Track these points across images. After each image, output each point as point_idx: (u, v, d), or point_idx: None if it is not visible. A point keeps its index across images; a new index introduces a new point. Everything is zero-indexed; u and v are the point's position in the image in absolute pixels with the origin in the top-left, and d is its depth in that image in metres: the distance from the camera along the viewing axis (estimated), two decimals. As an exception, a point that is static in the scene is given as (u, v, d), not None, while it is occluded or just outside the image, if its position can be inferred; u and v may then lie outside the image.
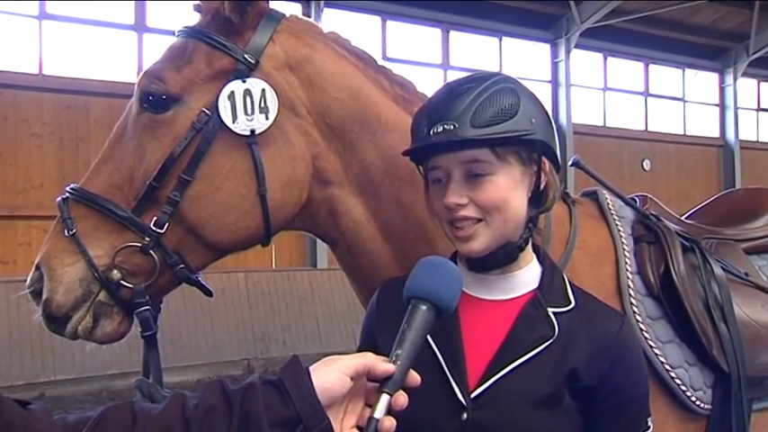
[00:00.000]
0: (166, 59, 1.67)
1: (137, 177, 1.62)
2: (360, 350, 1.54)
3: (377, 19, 13.85)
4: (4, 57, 10.34)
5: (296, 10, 12.75)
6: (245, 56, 1.64)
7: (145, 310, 1.62)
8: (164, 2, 10.92)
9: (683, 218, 2.25)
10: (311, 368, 1.14)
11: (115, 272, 1.61)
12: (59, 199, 1.67)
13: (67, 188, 1.69)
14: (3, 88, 10.16)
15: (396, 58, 14.00)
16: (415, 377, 1.18)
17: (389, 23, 14.00)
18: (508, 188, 1.35)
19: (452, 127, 1.33)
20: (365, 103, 1.73)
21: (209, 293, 1.74)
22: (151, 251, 1.61)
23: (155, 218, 1.60)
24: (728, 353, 1.79)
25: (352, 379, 1.14)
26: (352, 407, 1.18)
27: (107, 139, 1.71)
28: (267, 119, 1.62)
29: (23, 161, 10.32)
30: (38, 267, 1.65)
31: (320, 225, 1.74)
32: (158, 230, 1.60)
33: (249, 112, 1.60)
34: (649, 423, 1.38)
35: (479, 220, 1.35)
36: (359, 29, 13.61)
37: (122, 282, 1.61)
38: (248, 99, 1.60)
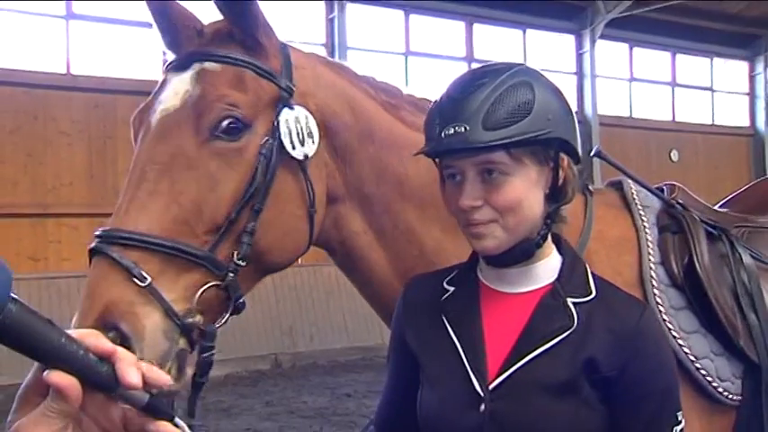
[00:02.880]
0: (224, 85, 1.60)
1: (208, 209, 1.54)
2: (391, 345, 1.58)
3: (400, 13, 13.83)
4: (33, 57, 10.50)
5: (319, 7, 12.77)
6: (288, 84, 1.66)
7: (212, 354, 1.54)
8: (189, 1, 10.99)
9: (715, 207, 2.22)
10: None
11: (198, 317, 1.51)
12: (97, 244, 1.49)
13: (105, 233, 1.50)
14: (32, 88, 10.32)
15: (419, 51, 13.98)
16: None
17: (412, 17, 13.97)
18: (523, 189, 1.33)
19: (463, 129, 1.30)
20: (363, 122, 1.76)
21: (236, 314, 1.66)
22: (231, 288, 1.54)
23: (233, 251, 1.55)
24: (758, 343, 1.77)
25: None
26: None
27: (140, 171, 1.55)
28: (314, 143, 1.66)
29: (53, 159, 10.47)
30: (111, 327, 1.43)
31: (323, 236, 1.76)
32: (242, 264, 1.55)
33: (301, 137, 1.64)
34: (680, 418, 1.34)
35: (494, 221, 1.34)
36: (382, 23, 13.60)
37: (201, 326, 1.51)
38: (298, 125, 1.64)
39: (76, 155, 10.59)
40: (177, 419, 0.86)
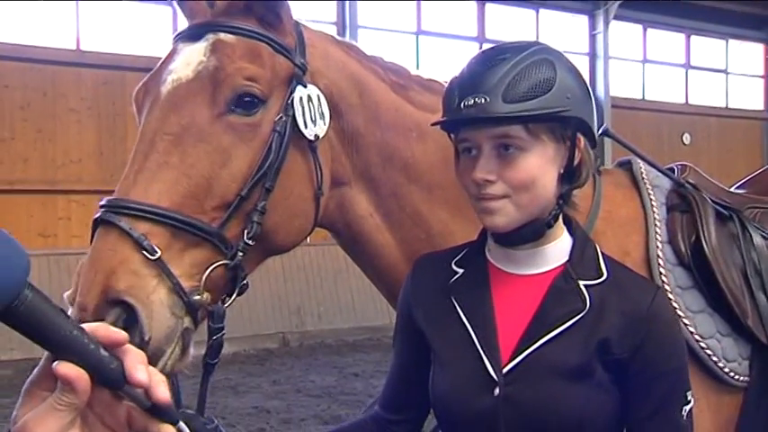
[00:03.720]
0: (241, 59, 1.57)
1: (219, 185, 1.50)
2: (398, 326, 1.56)
3: (411, -8, 13.73)
4: (43, 33, 10.50)
5: (330, -17, 12.67)
6: (302, 61, 1.63)
7: (223, 334, 1.51)
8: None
9: (731, 188, 2.19)
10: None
11: (205, 295, 1.46)
12: (106, 213, 1.44)
13: (112, 202, 1.46)
14: (42, 64, 10.33)
15: (430, 31, 13.88)
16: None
17: (424, -4, 13.87)
18: (538, 166, 1.32)
19: (483, 101, 1.29)
20: (369, 104, 1.73)
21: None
22: (239, 267, 1.51)
23: (243, 230, 1.51)
24: (767, 324, 1.75)
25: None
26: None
27: (149, 142, 1.51)
28: (325, 124, 1.63)
29: (62, 136, 10.51)
30: (117, 301, 1.39)
31: (326, 218, 1.74)
32: (251, 244, 1.52)
33: (313, 117, 1.61)
34: (690, 398, 1.35)
35: (506, 197, 1.33)
36: (393, 2, 13.49)
37: (208, 305, 1.47)
38: (310, 104, 1.61)
39: (86, 132, 10.61)
40: (181, 424, 0.84)
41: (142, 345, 1.38)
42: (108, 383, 0.81)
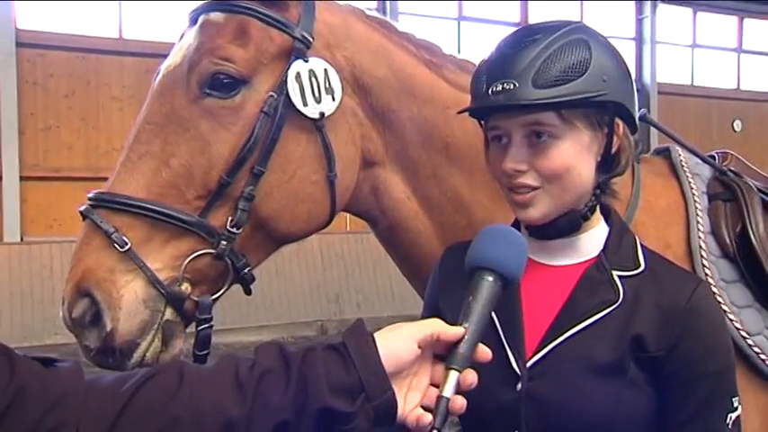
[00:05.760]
0: (221, 37, 1.51)
1: (199, 173, 1.45)
2: (423, 317, 1.49)
3: (453, -23, 13.58)
4: (86, 22, 10.68)
5: (370, -31, 12.59)
6: (303, 34, 1.53)
7: (210, 326, 1.47)
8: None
9: None
10: (377, 334, 1.05)
11: (185, 285, 1.44)
12: (86, 207, 1.46)
13: (94, 195, 1.47)
14: (85, 53, 10.53)
15: (472, 17, 13.72)
16: (485, 352, 1.09)
17: (466, -19, 13.71)
18: (573, 154, 1.24)
19: (512, 86, 1.21)
20: (401, 78, 1.65)
21: (249, 292, 1.60)
22: (227, 257, 1.47)
23: (229, 218, 1.47)
24: None
25: (420, 347, 1.05)
26: (417, 382, 1.08)
27: (136, 133, 1.50)
28: (334, 100, 1.54)
29: (105, 124, 10.70)
30: (84, 293, 1.41)
31: (360, 204, 1.67)
32: (236, 232, 1.47)
33: (316, 94, 1.52)
34: (736, 404, 1.23)
35: (539, 188, 1.25)
36: (434, -13, 13.37)
37: (191, 296, 1.45)
38: (314, 80, 1.52)
39: (128, 120, 10.75)
40: None
41: (105, 337, 1.39)
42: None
